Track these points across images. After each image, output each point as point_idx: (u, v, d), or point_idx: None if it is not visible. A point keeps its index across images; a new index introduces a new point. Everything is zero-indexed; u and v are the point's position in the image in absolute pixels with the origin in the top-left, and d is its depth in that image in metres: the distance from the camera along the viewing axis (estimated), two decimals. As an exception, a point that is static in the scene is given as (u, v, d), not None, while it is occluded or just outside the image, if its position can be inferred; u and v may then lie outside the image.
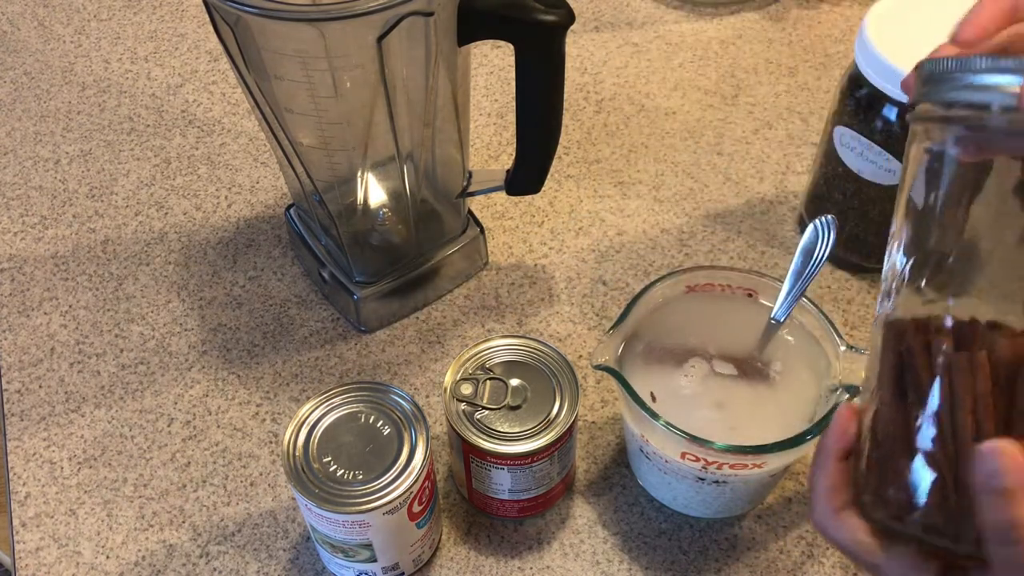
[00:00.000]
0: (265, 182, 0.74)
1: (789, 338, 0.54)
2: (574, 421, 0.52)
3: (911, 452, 0.35)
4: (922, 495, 0.35)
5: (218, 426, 0.61)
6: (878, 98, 0.58)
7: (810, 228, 0.53)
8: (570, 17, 0.52)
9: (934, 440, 0.34)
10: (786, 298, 0.53)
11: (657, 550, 0.55)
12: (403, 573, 0.54)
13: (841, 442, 0.38)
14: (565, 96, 0.59)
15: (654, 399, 0.52)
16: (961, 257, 0.35)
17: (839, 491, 0.37)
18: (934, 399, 0.35)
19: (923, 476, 0.35)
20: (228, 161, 0.76)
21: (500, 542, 0.56)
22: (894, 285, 0.37)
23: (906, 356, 0.36)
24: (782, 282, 0.54)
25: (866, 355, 0.40)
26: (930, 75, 0.35)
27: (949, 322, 0.35)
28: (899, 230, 0.37)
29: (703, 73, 0.82)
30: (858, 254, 0.67)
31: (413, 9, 0.48)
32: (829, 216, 0.53)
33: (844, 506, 0.37)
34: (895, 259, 0.37)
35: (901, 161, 0.59)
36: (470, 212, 0.67)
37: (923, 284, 0.36)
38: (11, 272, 0.69)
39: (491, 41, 0.78)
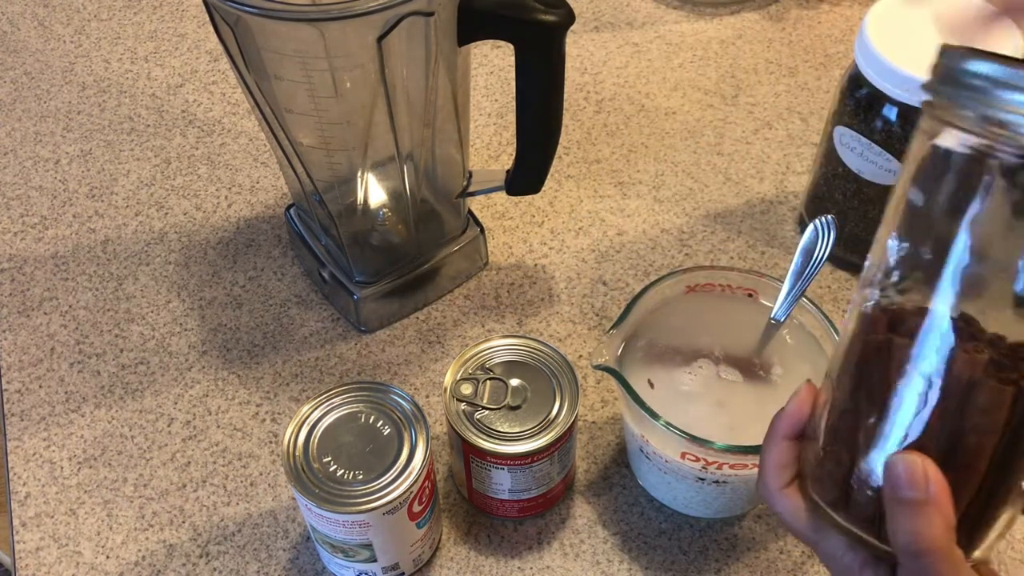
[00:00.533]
0: (265, 182, 0.74)
1: (789, 338, 0.54)
2: (574, 421, 0.52)
3: (856, 447, 0.36)
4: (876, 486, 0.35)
5: (218, 426, 0.61)
6: (878, 98, 0.58)
7: (810, 228, 0.53)
8: (570, 17, 0.52)
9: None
10: (786, 298, 0.53)
11: (657, 550, 0.55)
12: (403, 573, 0.54)
13: (793, 423, 0.39)
14: (565, 96, 0.59)
15: (652, 386, 0.52)
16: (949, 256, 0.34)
17: (786, 469, 0.39)
18: (888, 403, 0.35)
19: (878, 477, 0.35)
20: (228, 161, 0.76)
21: (500, 542, 0.56)
22: (877, 276, 0.36)
23: (869, 352, 0.36)
24: (782, 282, 0.54)
25: None
26: (973, 76, 0.32)
27: (920, 321, 0.34)
28: (892, 219, 0.36)
29: (703, 73, 0.82)
30: (858, 254, 0.67)
31: (413, 9, 0.48)
32: (829, 216, 0.53)
33: (788, 484, 0.39)
34: (887, 247, 0.36)
35: (901, 161, 0.59)
36: (470, 212, 0.67)
37: (907, 279, 0.35)
38: (11, 272, 0.69)
39: (491, 41, 0.78)
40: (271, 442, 0.60)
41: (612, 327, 0.52)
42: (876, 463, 0.35)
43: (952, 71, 0.32)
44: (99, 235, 0.71)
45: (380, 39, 0.48)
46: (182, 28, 0.86)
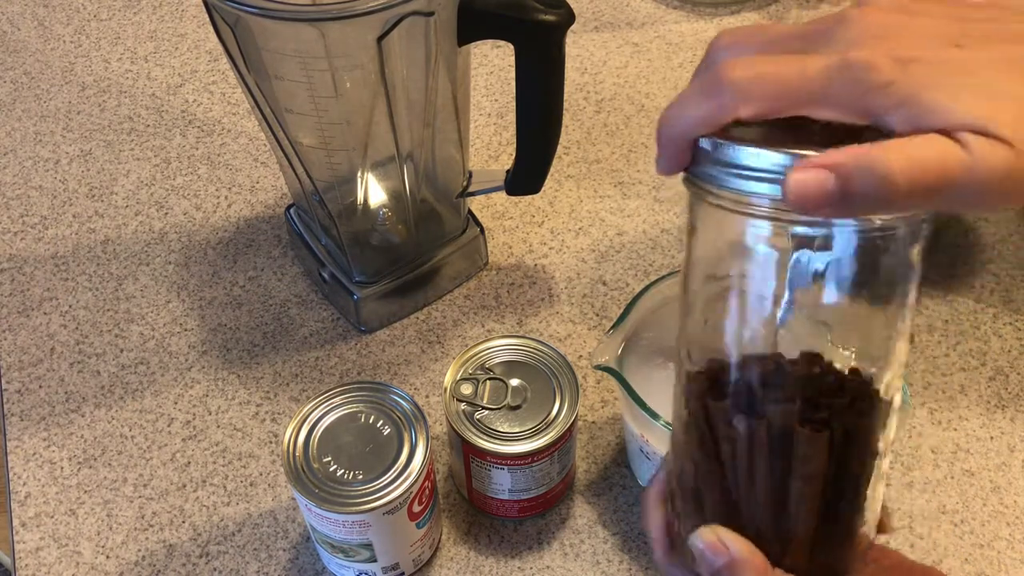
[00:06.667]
0: (265, 182, 0.74)
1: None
2: (574, 421, 0.52)
3: (692, 510, 0.37)
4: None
5: (218, 426, 0.61)
6: (878, 98, 0.58)
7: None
8: (570, 17, 0.52)
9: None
10: (786, 298, 0.53)
11: (657, 550, 0.55)
12: (403, 573, 0.54)
13: (662, 489, 0.39)
14: (565, 96, 0.59)
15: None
16: None
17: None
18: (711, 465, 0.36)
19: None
20: (228, 161, 0.76)
21: (500, 542, 0.56)
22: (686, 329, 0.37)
23: (692, 416, 0.36)
24: (782, 282, 0.54)
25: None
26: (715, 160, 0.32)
27: (735, 376, 0.35)
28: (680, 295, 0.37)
29: (703, 73, 0.82)
30: (858, 254, 0.67)
31: (413, 9, 0.48)
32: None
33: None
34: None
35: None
36: (470, 212, 0.67)
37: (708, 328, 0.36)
38: (11, 272, 0.69)
39: (491, 41, 0.78)
40: (271, 442, 0.60)
41: (612, 327, 0.52)
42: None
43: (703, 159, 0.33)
44: (99, 235, 0.71)
45: (380, 39, 0.48)
46: (182, 28, 0.86)
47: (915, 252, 0.33)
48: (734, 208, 0.32)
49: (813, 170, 0.29)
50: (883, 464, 0.35)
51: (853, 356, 0.35)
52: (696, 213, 0.35)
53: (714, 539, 0.35)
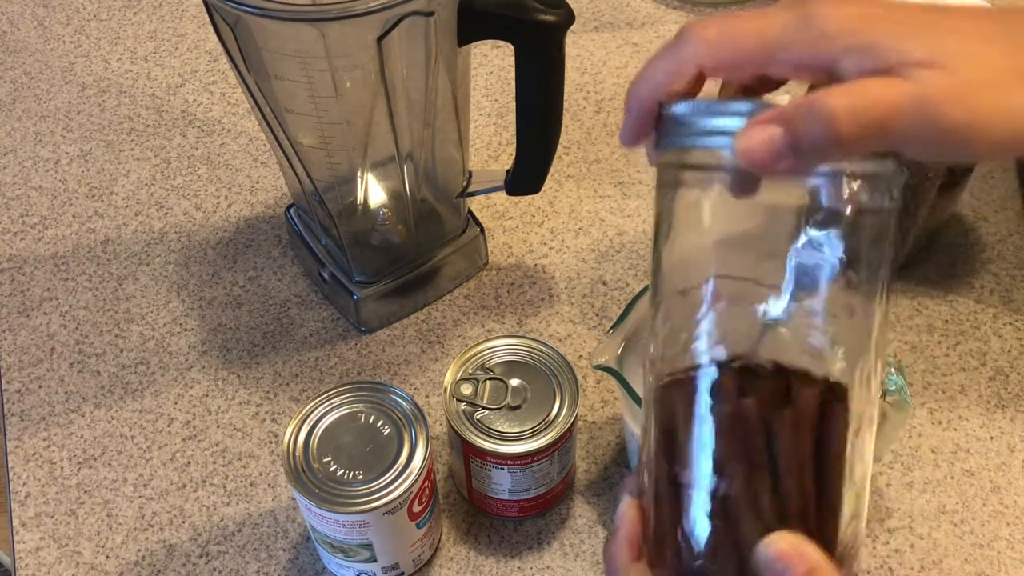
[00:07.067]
0: (265, 182, 0.74)
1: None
2: (574, 421, 0.52)
3: (682, 516, 0.35)
4: (700, 546, 0.34)
5: (218, 426, 0.61)
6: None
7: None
8: (570, 17, 0.52)
9: (701, 505, 0.34)
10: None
11: (657, 550, 0.55)
12: (403, 573, 0.54)
13: (634, 545, 0.37)
14: (565, 96, 0.59)
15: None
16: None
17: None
18: (695, 463, 0.34)
19: (700, 533, 0.34)
20: (228, 161, 0.76)
21: (500, 542, 0.56)
22: (660, 349, 0.36)
23: (669, 417, 0.35)
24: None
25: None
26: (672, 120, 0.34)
27: (705, 374, 0.34)
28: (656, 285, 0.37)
29: (703, 73, 0.81)
30: (858, 254, 0.67)
31: (413, 9, 0.48)
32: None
33: None
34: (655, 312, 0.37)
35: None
36: (470, 212, 0.67)
37: (681, 338, 0.35)
38: (11, 272, 0.69)
39: (491, 41, 0.78)
40: (271, 442, 0.60)
41: (612, 327, 0.52)
42: (695, 531, 0.34)
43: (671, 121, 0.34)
44: (99, 235, 0.71)
45: (380, 39, 0.49)
46: (182, 28, 0.86)
47: (886, 239, 0.33)
48: (706, 163, 0.33)
49: (759, 127, 0.31)
50: (867, 476, 0.35)
51: (839, 348, 0.35)
52: (667, 196, 0.35)
53: (788, 547, 0.32)
